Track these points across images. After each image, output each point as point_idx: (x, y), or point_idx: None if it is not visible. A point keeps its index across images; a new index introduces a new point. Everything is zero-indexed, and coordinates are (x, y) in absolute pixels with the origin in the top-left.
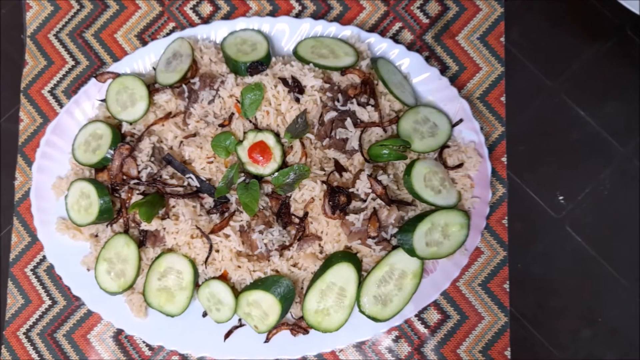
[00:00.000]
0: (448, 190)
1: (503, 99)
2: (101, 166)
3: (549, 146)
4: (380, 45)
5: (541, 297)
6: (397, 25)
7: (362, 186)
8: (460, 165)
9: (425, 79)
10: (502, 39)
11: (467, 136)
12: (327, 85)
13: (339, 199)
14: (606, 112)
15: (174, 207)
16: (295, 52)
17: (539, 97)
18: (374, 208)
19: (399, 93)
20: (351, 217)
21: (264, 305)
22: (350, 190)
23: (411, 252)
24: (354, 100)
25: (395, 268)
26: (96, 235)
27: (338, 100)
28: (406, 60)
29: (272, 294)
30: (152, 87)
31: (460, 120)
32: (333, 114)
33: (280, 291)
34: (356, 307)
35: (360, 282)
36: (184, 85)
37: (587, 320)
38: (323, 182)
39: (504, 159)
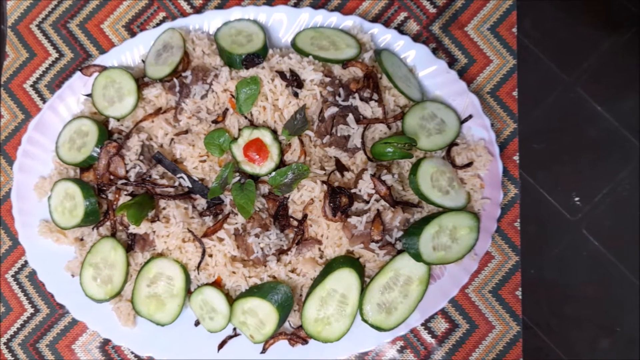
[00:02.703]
0: (456, 190)
1: (515, 93)
2: (87, 165)
3: (564, 144)
4: (385, 36)
5: (556, 305)
6: (402, 15)
7: (365, 186)
8: (469, 165)
9: (432, 72)
10: (514, 30)
11: (476, 133)
12: (327, 79)
13: (340, 200)
14: (625, 107)
15: (164, 208)
16: (293, 44)
17: (553, 91)
18: (378, 210)
19: (404, 87)
20: (353, 220)
21: (261, 314)
22: (352, 190)
23: (417, 256)
24: (356, 95)
25: (400, 274)
26: (81, 239)
27: (339, 95)
28: (412, 53)
29: (268, 301)
30: (141, 81)
31: (470, 117)
32: (334, 109)
33: (278, 298)
34: (358, 316)
35: (363, 288)
36: (175, 79)
37: (604, 329)
38: (323, 182)
39: (516, 158)
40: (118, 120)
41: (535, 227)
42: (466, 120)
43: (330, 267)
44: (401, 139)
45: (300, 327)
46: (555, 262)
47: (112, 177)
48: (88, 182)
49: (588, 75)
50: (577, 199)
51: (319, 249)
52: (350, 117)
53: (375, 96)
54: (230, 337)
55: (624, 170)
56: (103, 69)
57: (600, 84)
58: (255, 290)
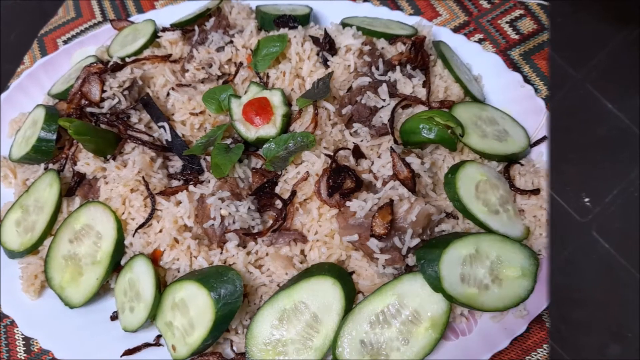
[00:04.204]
0: (510, 217)
1: None
2: (66, 96)
3: (573, 142)
4: (451, 40)
5: (564, 310)
6: (477, 36)
7: (381, 166)
8: (535, 192)
9: (503, 84)
10: None
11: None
12: (367, 48)
13: (343, 180)
14: (636, 104)
15: (127, 154)
16: (342, 22)
17: (562, 88)
18: (391, 199)
19: (466, 81)
20: (354, 205)
21: (193, 310)
22: (364, 176)
23: (435, 282)
24: (398, 68)
25: (404, 304)
26: (27, 181)
27: (377, 68)
28: (480, 61)
29: (207, 289)
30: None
31: (544, 138)
32: (365, 80)
33: (221, 291)
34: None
35: (346, 314)
36: (196, 27)
37: (615, 335)
38: (328, 155)
39: None
40: (122, 60)
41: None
42: (540, 142)
43: (308, 272)
44: (445, 115)
45: (243, 355)
46: (564, 265)
47: (83, 100)
48: (59, 110)
49: (598, 71)
50: (586, 199)
51: (301, 251)
52: (384, 88)
53: (422, 76)
54: (147, 345)
55: (636, 170)
56: (131, 24)
57: (610, 81)
58: (195, 273)
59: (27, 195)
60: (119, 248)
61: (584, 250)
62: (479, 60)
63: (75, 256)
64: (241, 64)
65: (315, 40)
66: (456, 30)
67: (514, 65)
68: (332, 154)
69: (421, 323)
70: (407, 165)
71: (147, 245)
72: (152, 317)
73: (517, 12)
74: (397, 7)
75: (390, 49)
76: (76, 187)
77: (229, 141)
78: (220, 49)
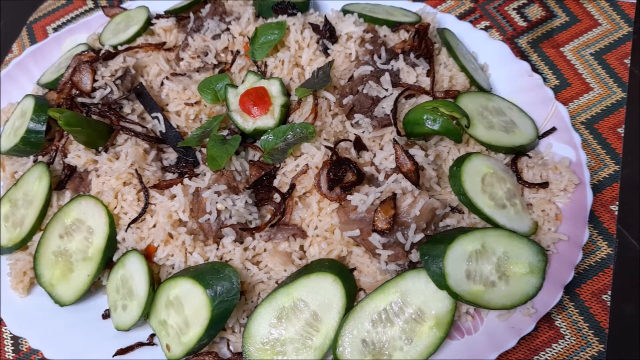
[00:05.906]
0: (518, 211)
1: (621, 130)
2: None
3: None
4: (456, 27)
5: None
6: (484, 23)
7: (384, 158)
8: (544, 185)
9: (510, 74)
10: (627, 61)
11: (559, 152)
12: (369, 36)
13: (344, 173)
14: None
15: (120, 145)
16: (342, 9)
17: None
18: (394, 193)
19: (471, 70)
20: (355, 199)
21: (188, 308)
22: (366, 169)
23: (440, 279)
24: (401, 57)
25: (408, 302)
26: (15, 174)
27: (379, 57)
28: (487, 49)
29: (203, 287)
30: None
31: (553, 129)
32: (367, 69)
33: (218, 289)
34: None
35: (347, 312)
36: (191, 14)
37: None
38: (328, 147)
39: (615, 208)
40: (115, 48)
41: (634, 308)
42: (548, 133)
43: (307, 268)
44: (450, 105)
45: (240, 354)
46: None
47: (74, 90)
48: (49, 100)
49: None
50: None
51: (301, 247)
52: (386, 78)
53: (426, 65)
54: (141, 344)
55: None
56: (124, 11)
57: None
58: (190, 270)
59: (15, 189)
60: (111, 244)
61: None
62: (485, 48)
63: (65, 252)
64: (238, 52)
65: (315, 27)
66: (461, 17)
67: (521, 54)
68: (332, 145)
69: (425, 321)
70: (411, 157)
71: (141, 240)
72: (146, 315)
73: None
74: None
75: (393, 37)
76: (66, 180)
77: (225, 132)
78: (216, 37)
